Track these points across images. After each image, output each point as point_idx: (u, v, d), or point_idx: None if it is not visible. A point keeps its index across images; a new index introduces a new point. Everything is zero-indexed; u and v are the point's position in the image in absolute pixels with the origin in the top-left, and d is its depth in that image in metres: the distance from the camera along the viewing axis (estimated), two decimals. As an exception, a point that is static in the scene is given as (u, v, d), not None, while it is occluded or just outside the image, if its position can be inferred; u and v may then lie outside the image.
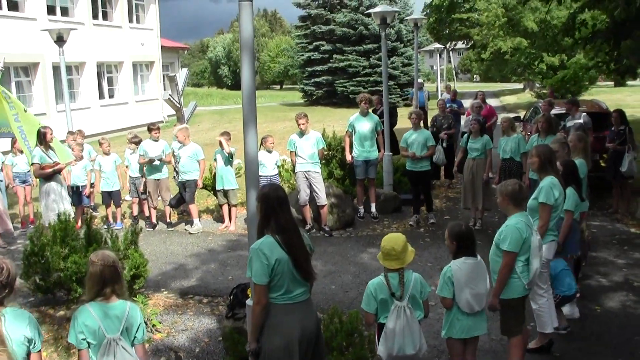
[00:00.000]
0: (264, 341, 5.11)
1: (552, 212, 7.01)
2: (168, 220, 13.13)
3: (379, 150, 12.89)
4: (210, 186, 13.29)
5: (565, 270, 7.29)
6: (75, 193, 12.61)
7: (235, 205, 12.76)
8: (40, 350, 4.36)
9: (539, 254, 6.18)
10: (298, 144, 11.86)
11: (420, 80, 25.93)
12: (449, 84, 21.66)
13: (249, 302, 5.82)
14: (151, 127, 13.07)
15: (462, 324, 5.76)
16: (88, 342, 4.69)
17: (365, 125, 12.66)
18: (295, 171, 12.00)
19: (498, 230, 6.24)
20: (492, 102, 18.67)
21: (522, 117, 18.95)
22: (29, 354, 4.29)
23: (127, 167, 13.27)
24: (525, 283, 6.13)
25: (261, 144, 12.01)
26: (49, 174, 11.14)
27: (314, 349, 5.19)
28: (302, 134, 11.84)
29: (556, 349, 7.13)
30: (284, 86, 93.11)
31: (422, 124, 13.17)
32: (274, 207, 5.08)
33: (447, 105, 18.27)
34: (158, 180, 12.79)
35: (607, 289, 8.96)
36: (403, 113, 19.94)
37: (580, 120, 13.12)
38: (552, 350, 7.10)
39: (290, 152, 12.11)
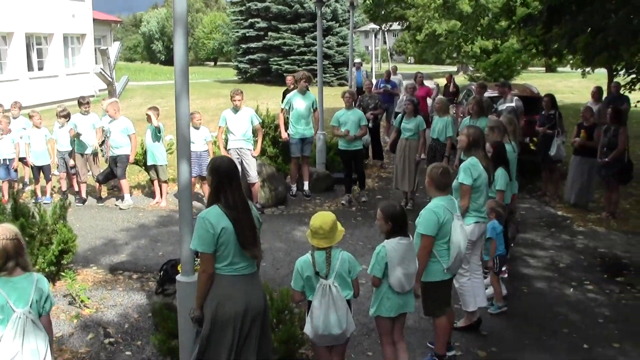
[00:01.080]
0: (208, 311, 5.13)
1: (473, 193, 7.16)
2: (98, 195, 12.94)
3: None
4: (142, 162, 13.15)
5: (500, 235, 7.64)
6: (2, 166, 12.32)
7: (165, 182, 12.65)
8: None
9: (462, 238, 6.24)
10: (231, 120, 11.80)
11: (358, 60, 26.05)
12: (393, 67, 21.77)
13: (179, 277, 5.81)
14: (81, 101, 12.88)
15: (392, 303, 5.83)
16: None
17: (302, 103, 12.70)
18: (228, 148, 11.95)
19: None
20: (426, 84, 18.91)
21: (455, 99, 19.26)
22: None
23: (55, 141, 13.01)
24: (445, 267, 6.25)
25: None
26: None
27: (260, 323, 5.21)
28: (236, 110, 11.80)
29: (484, 328, 7.34)
30: (218, 63, 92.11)
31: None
32: (224, 181, 5.08)
33: (381, 85, 18.44)
34: (86, 155, 12.61)
35: (534, 269, 9.25)
36: (337, 92, 19.99)
37: (513, 104, 13.40)
38: (480, 328, 7.30)
39: (220, 127, 12.07)
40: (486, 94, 14.39)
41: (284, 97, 17.56)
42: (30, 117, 13.13)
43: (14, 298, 4.60)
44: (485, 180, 7.25)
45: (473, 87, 16.25)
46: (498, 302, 7.79)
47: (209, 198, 5.22)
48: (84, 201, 12.76)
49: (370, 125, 14.84)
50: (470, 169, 7.13)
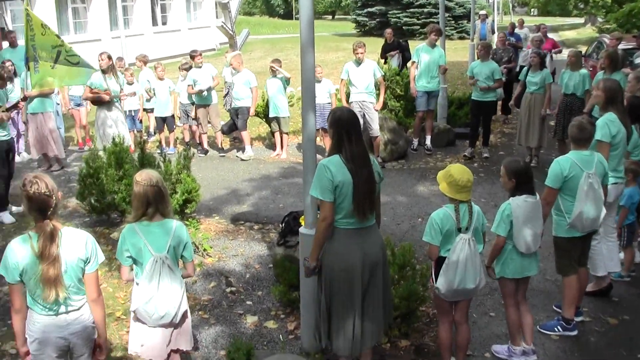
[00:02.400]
0: (325, 265, 5.08)
1: (611, 151, 6.72)
2: (219, 146, 13.10)
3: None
4: (262, 114, 13.20)
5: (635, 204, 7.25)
6: (128, 117, 12.63)
7: (287, 133, 12.66)
8: (95, 271, 4.36)
9: (589, 198, 5.90)
10: (354, 73, 11.64)
11: (482, 11, 25.25)
12: (520, 20, 20.93)
13: (302, 229, 5.75)
14: (193, 54, 13.04)
15: (516, 264, 5.60)
16: (134, 260, 4.75)
17: (431, 56, 12.39)
18: (350, 101, 11.81)
19: None
20: (551, 37, 18.07)
21: (583, 52, 18.38)
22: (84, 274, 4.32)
23: (178, 93, 13.24)
24: (567, 224, 5.97)
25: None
26: (91, 99, 11.24)
27: (378, 278, 5.11)
28: (358, 62, 11.61)
29: (615, 294, 6.96)
30: (336, 16, 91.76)
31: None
32: (345, 133, 4.94)
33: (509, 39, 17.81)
34: (207, 107, 12.75)
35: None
36: (457, 46, 19.41)
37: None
38: (610, 294, 6.93)
39: (342, 79, 11.92)
40: (621, 46, 13.57)
41: (382, 50, 17.30)
42: (155, 68, 13.39)
43: (152, 243, 4.69)
44: (624, 138, 6.81)
45: (605, 39, 15.41)
46: (624, 272, 7.37)
47: (330, 150, 5.10)
48: (205, 152, 12.97)
49: (503, 78, 14.36)
50: (608, 125, 6.68)
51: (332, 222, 4.96)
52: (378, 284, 5.12)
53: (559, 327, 6.22)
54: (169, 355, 5.02)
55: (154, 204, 4.71)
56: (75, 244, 4.23)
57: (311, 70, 5.65)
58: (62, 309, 4.25)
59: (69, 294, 4.21)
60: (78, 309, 4.32)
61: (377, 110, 11.77)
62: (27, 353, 4.35)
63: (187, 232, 4.92)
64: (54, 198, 4.14)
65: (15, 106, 10.40)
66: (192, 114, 12.96)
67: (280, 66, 12.42)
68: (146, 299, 4.66)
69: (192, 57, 12.95)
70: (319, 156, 11.08)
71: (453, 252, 5.17)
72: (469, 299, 5.53)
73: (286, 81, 12.30)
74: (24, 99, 11.10)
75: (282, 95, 12.40)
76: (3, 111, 9.46)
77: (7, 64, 12.16)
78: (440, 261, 5.26)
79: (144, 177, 4.72)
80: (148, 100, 13.28)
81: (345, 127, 4.96)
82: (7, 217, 9.70)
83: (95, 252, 4.31)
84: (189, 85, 12.64)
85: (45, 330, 4.27)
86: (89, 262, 4.27)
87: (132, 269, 4.82)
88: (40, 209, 4.12)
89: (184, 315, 4.94)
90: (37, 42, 10.59)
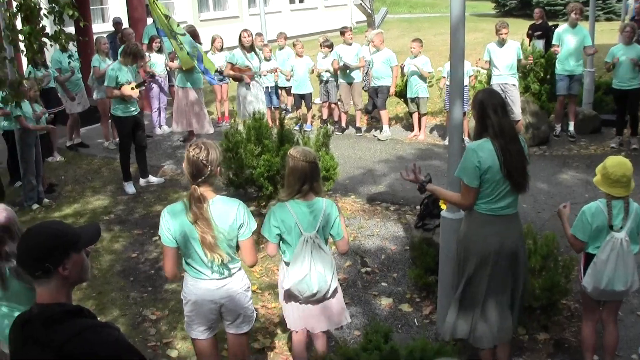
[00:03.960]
0: (461, 248, 5.00)
1: None
2: (357, 125, 13.06)
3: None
4: (401, 94, 13.06)
5: None
6: (266, 93, 12.79)
7: (425, 114, 12.47)
8: (250, 238, 4.44)
9: None
10: (496, 54, 11.31)
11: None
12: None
13: (444, 213, 5.64)
14: (343, 30, 12.96)
15: None
16: (282, 238, 4.76)
17: (572, 38, 11.83)
18: (491, 83, 11.49)
19: None
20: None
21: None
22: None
23: (318, 71, 13.28)
24: None
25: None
26: (232, 76, 11.45)
27: (516, 267, 4.95)
28: (501, 43, 11.27)
29: None
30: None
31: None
32: (490, 111, 4.80)
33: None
34: (351, 84, 12.71)
35: None
36: (603, 27, 18.45)
37: None
38: None
39: (485, 61, 11.61)
40: None
41: (529, 30, 16.65)
42: (294, 45, 13.49)
43: (302, 222, 4.71)
44: None
45: None
46: None
47: (475, 133, 4.98)
48: (343, 130, 12.97)
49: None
50: None
51: (469, 205, 4.90)
52: (516, 274, 4.97)
53: None
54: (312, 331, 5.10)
55: (309, 181, 4.73)
56: (227, 211, 4.32)
57: (460, 52, 5.52)
58: (216, 274, 4.39)
59: (224, 260, 4.31)
60: (231, 276, 4.44)
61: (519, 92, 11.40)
62: None
63: (337, 210, 4.91)
64: (210, 169, 4.26)
65: (142, 84, 10.75)
66: (333, 92, 12.97)
67: (421, 47, 12.22)
68: (298, 278, 4.70)
69: (342, 33, 12.92)
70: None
71: (602, 251, 4.89)
72: (619, 300, 5.24)
73: (422, 64, 12.08)
74: (152, 76, 11.47)
75: (419, 76, 12.19)
76: (132, 88, 9.80)
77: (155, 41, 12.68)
78: (589, 257, 5.01)
79: (301, 153, 4.74)
80: (288, 80, 13.38)
81: (489, 104, 4.84)
82: (130, 188, 10.13)
83: (247, 219, 4.39)
84: (334, 60, 12.64)
85: (198, 294, 4.44)
86: (241, 228, 4.34)
87: (278, 246, 4.87)
88: (193, 173, 4.27)
89: (335, 291, 4.96)
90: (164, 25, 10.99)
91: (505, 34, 11.19)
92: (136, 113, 10.05)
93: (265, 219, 4.84)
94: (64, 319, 2.60)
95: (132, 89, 9.78)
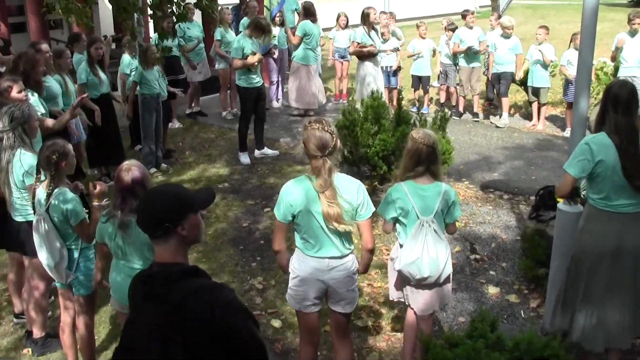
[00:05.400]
0: (577, 244, 4.87)
1: None
2: (475, 110, 12.84)
3: None
4: (521, 81, 12.74)
5: None
6: (384, 73, 12.72)
7: (545, 104, 12.11)
8: (368, 220, 4.43)
9: None
10: (626, 45, 10.82)
11: None
12: None
13: (560, 205, 5.48)
14: (464, 14, 12.74)
15: None
16: (398, 219, 4.78)
17: None
18: (618, 75, 11.03)
19: None
20: None
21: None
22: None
23: (439, 53, 13.12)
24: None
25: (571, 41, 11.23)
26: (357, 53, 11.44)
27: (636, 269, 4.76)
28: (633, 34, 10.76)
29: None
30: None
31: None
32: (610, 103, 4.64)
33: None
34: (472, 68, 12.50)
35: None
36: None
37: None
38: None
39: (613, 51, 11.13)
40: None
41: None
42: (417, 27, 13.35)
43: (419, 205, 4.70)
44: None
45: None
46: None
47: (595, 122, 4.82)
48: (460, 115, 12.78)
49: None
50: None
51: (563, 194, 4.92)
52: (634, 278, 4.78)
53: None
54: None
55: (425, 164, 4.71)
56: (349, 189, 4.33)
57: (591, 43, 5.35)
58: (330, 252, 4.41)
59: (342, 237, 4.34)
60: (342, 257, 4.45)
61: None
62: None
63: (455, 195, 4.88)
64: (335, 140, 4.29)
65: (268, 52, 10.87)
66: (452, 75, 12.79)
67: (547, 34, 11.85)
68: (409, 260, 4.69)
69: (464, 17, 12.70)
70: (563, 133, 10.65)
71: None
72: None
73: (547, 51, 11.71)
74: (275, 47, 11.65)
75: (542, 64, 11.83)
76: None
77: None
78: None
79: (420, 135, 4.74)
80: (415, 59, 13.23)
81: (611, 98, 4.67)
82: (245, 158, 10.34)
83: (367, 200, 4.38)
84: (455, 43, 12.46)
85: (307, 270, 4.48)
86: (361, 208, 4.35)
87: (394, 226, 4.88)
88: (322, 146, 4.28)
89: (448, 279, 4.94)
90: None
91: (639, 24, 10.71)
92: (259, 85, 10.21)
93: (383, 199, 4.87)
94: (182, 278, 2.70)
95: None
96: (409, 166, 4.76)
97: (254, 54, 9.93)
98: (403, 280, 4.93)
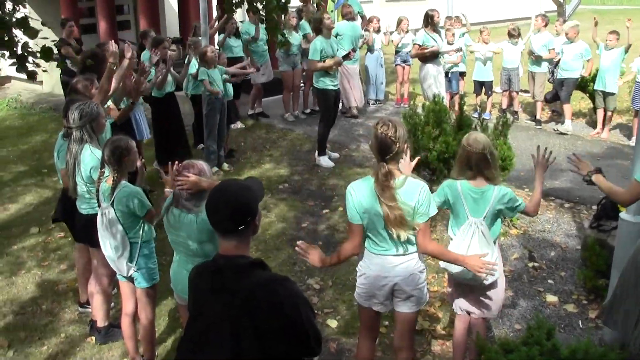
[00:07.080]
0: (629, 257, 4.76)
1: None
2: (537, 117, 12.70)
3: None
4: (582, 85, 12.50)
5: None
6: (447, 78, 12.67)
7: (612, 111, 11.88)
8: (426, 222, 4.38)
9: None
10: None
11: None
12: None
13: (623, 215, 5.42)
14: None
15: None
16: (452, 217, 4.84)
17: None
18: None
19: None
20: None
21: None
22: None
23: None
24: None
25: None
26: (420, 55, 11.43)
27: None
28: None
29: None
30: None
31: None
32: None
33: None
34: (535, 74, 12.38)
35: None
36: None
37: None
38: None
39: None
40: None
41: None
42: (480, 32, 13.29)
43: (470, 206, 4.76)
44: None
45: None
46: None
47: None
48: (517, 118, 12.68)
49: None
50: None
51: (629, 203, 4.87)
52: None
53: None
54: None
55: (476, 169, 4.76)
56: (412, 190, 4.32)
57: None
58: (394, 250, 4.44)
59: (405, 237, 4.35)
60: (407, 254, 4.46)
61: None
62: None
63: (510, 192, 4.87)
64: (398, 145, 4.27)
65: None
66: (515, 80, 12.69)
67: (618, 39, 11.63)
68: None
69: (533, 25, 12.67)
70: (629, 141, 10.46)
71: None
72: None
73: (625, 50, 11.51)
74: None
75: (617, 69, 11.60)
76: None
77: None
78: None
79: (470, 142, 4.78)
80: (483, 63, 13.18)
81: None
82: (326, 161, 10.35)
83: (428, 202, 4.35)
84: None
85: (373, 268, 4.53)
86: (421, 210, 4.33)
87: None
88: (381, 150, 4.30)
89: (495, 282, 4.92)
90: None
91: None
92: (337, 88, 10.30)
93: (435, 192, 4.92)
94: (250, 270, 2.83)
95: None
96: (459, 170, 4.86)
97: (333, 56, 10.02)
98: (449, 281, 4.96)
